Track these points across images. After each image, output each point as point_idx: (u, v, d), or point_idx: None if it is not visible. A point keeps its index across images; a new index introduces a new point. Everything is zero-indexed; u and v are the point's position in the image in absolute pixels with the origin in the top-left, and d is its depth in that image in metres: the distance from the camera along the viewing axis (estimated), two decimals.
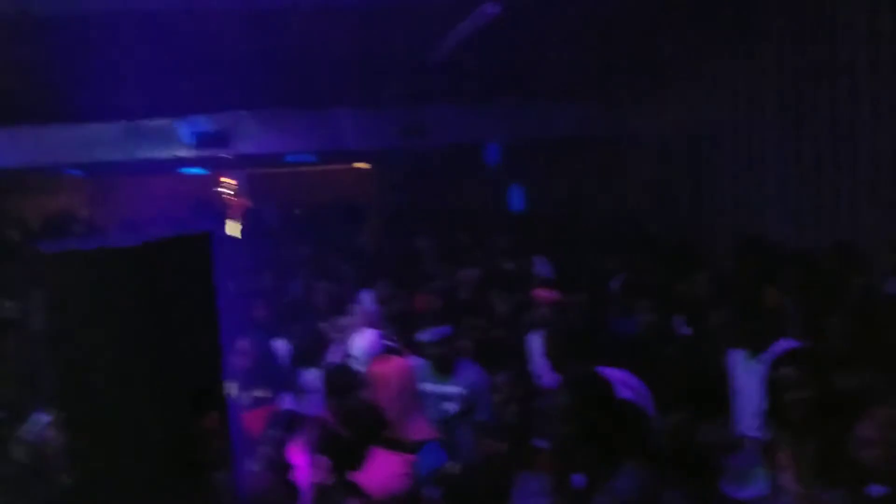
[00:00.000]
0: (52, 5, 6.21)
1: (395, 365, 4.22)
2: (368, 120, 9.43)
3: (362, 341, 4.88)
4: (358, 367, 4.51)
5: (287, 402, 4.58)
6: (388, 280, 6.47)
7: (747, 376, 3.85)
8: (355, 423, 3.88)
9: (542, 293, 5.73)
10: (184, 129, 8.72)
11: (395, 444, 3.69)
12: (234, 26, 7.83)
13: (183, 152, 8.85)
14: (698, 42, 8.29)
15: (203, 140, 8.78)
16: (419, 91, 10.64)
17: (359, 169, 18.31)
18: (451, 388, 4.51)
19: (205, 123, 8.74)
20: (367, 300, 6.12)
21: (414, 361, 4.69)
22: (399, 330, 5.21)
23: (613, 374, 2.94)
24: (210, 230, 2.81)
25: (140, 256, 2.35)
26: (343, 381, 4.19)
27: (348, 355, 4.95)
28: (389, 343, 4.87)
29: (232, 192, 20.25)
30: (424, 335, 4.65)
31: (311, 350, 5.21)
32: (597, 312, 5.42)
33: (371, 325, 5.29)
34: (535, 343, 4.89)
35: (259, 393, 4.56)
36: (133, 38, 7.66)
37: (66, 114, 8.81)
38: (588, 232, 8.45)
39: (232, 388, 4.72)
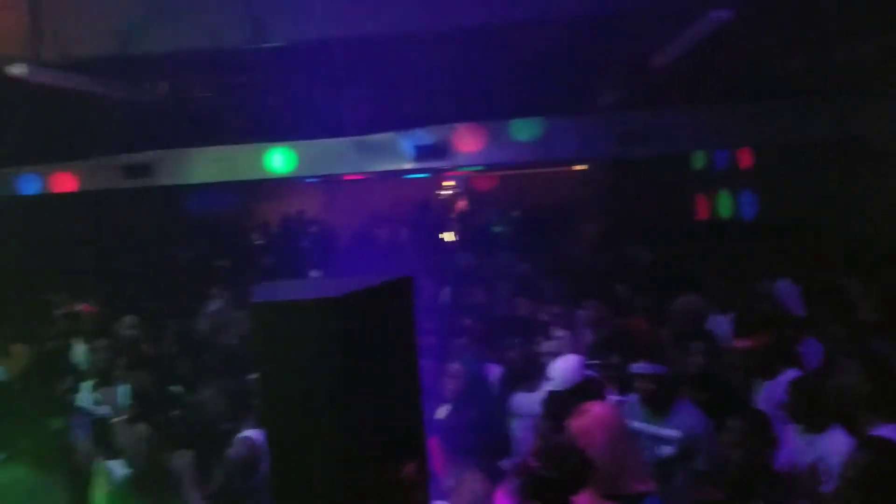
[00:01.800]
0: (287, 35, 6.63)
1: (597, 416, 3.80)
2: (586, 128, 9.17)
3: (561, 368, 4.46)
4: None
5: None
6: (600, 300, 6.14)
7: None
8: (561, 464, 3.70)
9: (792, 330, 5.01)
10: (405, 142, 9.00)
11: (610, 497, 3.43)
12: (452, 45, 8.00)
13: (404, 164, 9.15)
14: None
15: (422, 152, 9.01)
16: (641, 97, 10.21)
17: (576, 171, 17.99)
18: (666, 431, 4.17)
19: (424, 137, 8.96)
20: (575, 321, 5.89)
21: (624, 398, 4.40)
22: (608, 358, 4.84)
23: None
24: (410, 276, 2.78)
25: (345, 306, 2.36)
26: (559, 410, 3.99)
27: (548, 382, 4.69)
28: (590, 373, 4.54)
29: (451, 195, 20.84)
30: (638, 368, 4.31)
31: (522, 373, 5.02)
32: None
33: (576, 349, 5.03)
34: (770, 388, 4.39)
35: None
36: (359, 62, 8.07)
37: (304, 132, 9.50)
38: (833, 250, 7.39)
39: (442, 412, 4.71)
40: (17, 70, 6.05)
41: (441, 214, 18.53)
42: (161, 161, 9.60)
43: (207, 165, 9.66)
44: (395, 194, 18.08)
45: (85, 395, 5.47)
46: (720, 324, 5.46)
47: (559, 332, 5.72)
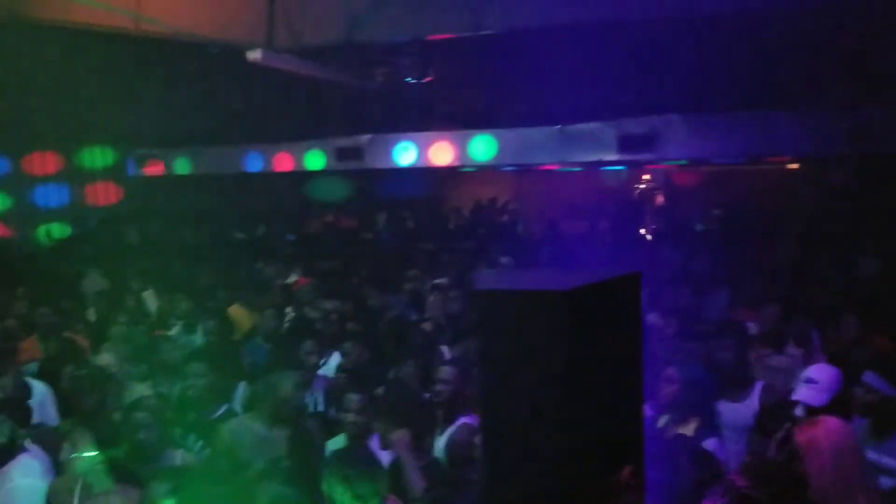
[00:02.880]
0: (502, 23, 6.65)
1: (828, 429, 3.46)
2: (810, 122, 8.46)
3: (819, 377, 4.03)
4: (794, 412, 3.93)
5: (711, 443, 4.15)
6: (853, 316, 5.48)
7: None
8: (771, 484, 3.41)
9: None
10: (610, 132, 8.77)
11: None
12: (669, 33, 7.64)
13: (608, 156, 8.92)
14: None
15: (628, 143, 8.73)
16: (875, 91, 9.27)
17: (791, 169, 16.68)
18: (887, 459, 3.73)
19: (631, 127, 8.68)
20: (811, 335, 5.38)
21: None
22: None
23: None
24: (638, 271, 2.65)
25: (574, 300, 2.28)
26: (772, 424, 3.69)
27: (787, 397, 4.30)
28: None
29: (648, 189, 20.09)
30: (869, 378, 3.86)
31: (733, 383, 4.68)
32: None
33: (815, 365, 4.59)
34: None
35: (682, 429, 4.23)
36: (570, 50, 7.94)
37: (503, 120, 9.51)
38: None
39: (662, 420, 4.49)
40: (254, 55, 6.52)
41: (638, 209, 17.92)
42: (371, 145, 10.03)
43: (412, 150, 9.96)
44: (589, 185, 17.72)
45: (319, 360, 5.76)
46: None
47: (791, 349, 5.28)
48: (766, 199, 16.08)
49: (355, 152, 10.20)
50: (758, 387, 4.56)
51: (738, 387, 4.60)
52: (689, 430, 4.17)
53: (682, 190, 18.69)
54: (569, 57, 8.28)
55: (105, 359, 5.50)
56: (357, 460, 3.45)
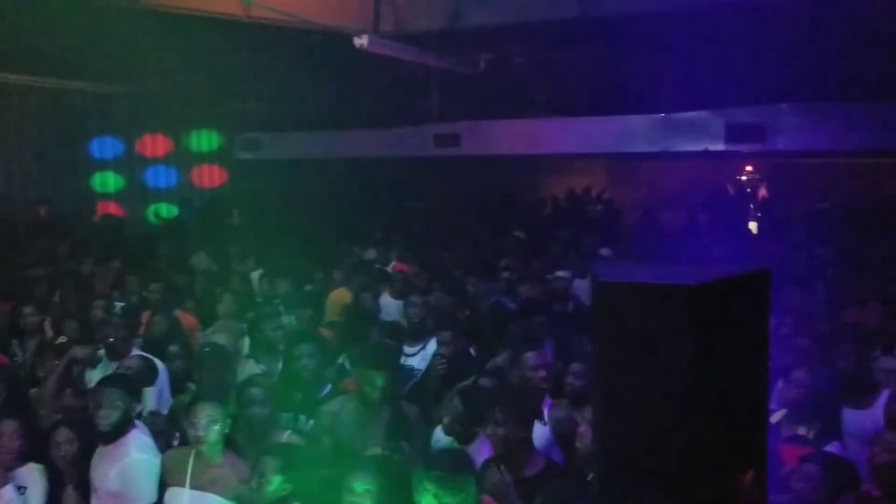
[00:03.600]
0: (606, 6, 6.49)
1: None
2: None
3: None
4: None
5: (834, 447, 3.98)
6: None
7: None
8: None
9: None
10: (717, 121, 8.45)
11: None
12: (781, 18, 7.30)
13: (714, 146, 8.60)
14: None
15: (736, 133, 8.39)
16: None
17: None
18: None
19: (740, 116, 8.34)
20: None
21: None
22: None
23: None
24: (767, 268, 2.52)
25: (699, 296, 2.19)
26: None
27: None
28: None
29: (751, 180, 19.34)
30: None
31: (855, 387, 4.47)
32: None
33: None
34: None
35: (802, 430, 4.06)
36: (675, 34, 7.68)
37: (603, 107, 9.30)
38: None
39: (776, 416, 4.34)
40: (360, 41, 6.58)
41: (740, 201, 17.30)
42: (469, 132, 9.99)
43: (511, 138, 9.88)
44: (687, 175, 17.21)
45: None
46: None
47: None
48: (874, 192, 15.24)
49: (452, 139, 10.19)
50: (884, 395, 4.33)
51: (861, 393, 4.41)
52: (808, 433, 4.01)
53: (787, 183, 17.91)
54: (676, 43, 8.02)
55: (219, 336, 5.68)
56: (447, 466, 3.37)
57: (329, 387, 4.83)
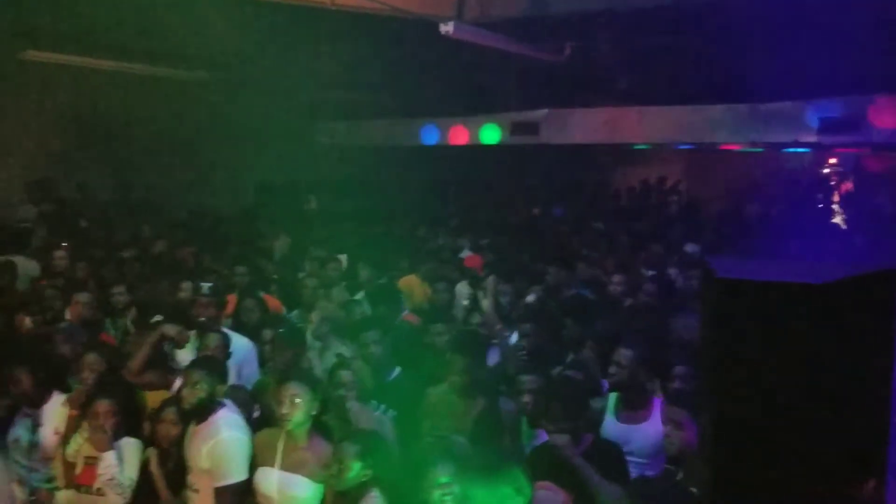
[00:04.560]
0: None
1: None
2: None
3: None
4: None
5: None
6: None
7: None
8: None
9: None
10: (809, 112, 8.13)
11: None
12: (878, 4, 6.96)
13: (805, 137, 8.27)
14: None
15: (829, 125, 8.05)
16: None
17: None
18: None
19: (834, 107, 8.00)
20: None
21: None
22: None
23: None
24: (894, 268, 2.40)
25: (824, 296, 2.10)
26: None
27: None
28: None
29: (834, 173, 18.60)
30: None
31: None
32: None
33: None
34: None
35: None
36: (765, 22, 7.42)
37: (686, 96, 9.06)
38: None
39: None
40: (446, 28, 6.56)
41: (823, 195, 16.68)
42: (548, 120, 9.87)
43: (591, 127, 9.72)
44: (768, 167, 16.68)
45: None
46: None
47: None
48: None
49: (531, 127, 10.07)
50: None
51: None
52: None
53: (873, 177, 17.17)
54: (767, 31, 7.75)
55: (310, 318, 5.73)
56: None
57: (397, 370, 4.85)
